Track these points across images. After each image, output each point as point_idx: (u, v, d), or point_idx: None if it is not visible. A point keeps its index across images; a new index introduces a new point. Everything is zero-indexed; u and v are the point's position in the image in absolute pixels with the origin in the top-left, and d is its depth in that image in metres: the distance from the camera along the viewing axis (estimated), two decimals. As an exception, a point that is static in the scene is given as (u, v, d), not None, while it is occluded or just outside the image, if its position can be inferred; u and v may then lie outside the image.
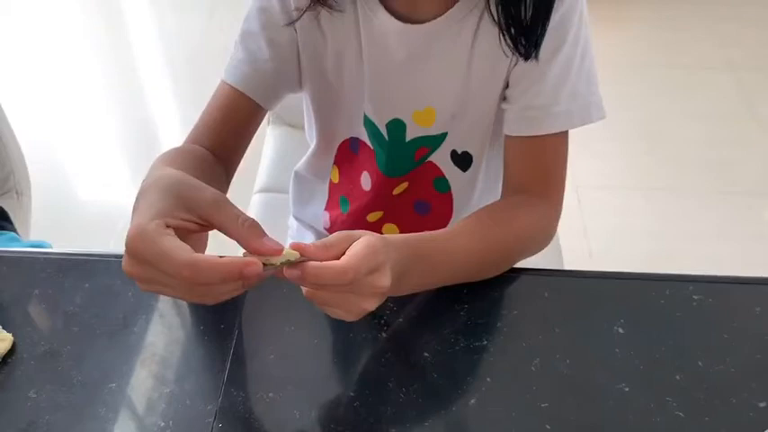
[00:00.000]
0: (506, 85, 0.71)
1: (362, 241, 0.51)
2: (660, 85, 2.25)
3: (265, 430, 0.55)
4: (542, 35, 0.64)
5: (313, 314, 0.59)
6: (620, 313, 0.63)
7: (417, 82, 0.71)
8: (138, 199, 0.50)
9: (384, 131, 0.76)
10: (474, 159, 0.78)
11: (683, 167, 1.94)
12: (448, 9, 0.67)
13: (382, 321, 0.62)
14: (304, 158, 0.89)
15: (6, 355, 0.60)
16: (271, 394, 0.57)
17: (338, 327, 0.61)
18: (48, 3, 2.70)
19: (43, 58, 2.40)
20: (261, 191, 1.13)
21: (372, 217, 0.85)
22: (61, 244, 0.82)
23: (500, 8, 0.63)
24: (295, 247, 0.49)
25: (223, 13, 2.53)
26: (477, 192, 0.82)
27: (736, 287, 0.66)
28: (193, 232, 0.49)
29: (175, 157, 0.63)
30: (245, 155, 0.75)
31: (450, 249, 0.62)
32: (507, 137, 0.72)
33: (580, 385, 0.58)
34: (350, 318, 0.52)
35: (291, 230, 0.98)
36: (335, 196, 0.88)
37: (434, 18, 0.67)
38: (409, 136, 0.76)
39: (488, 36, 0.67)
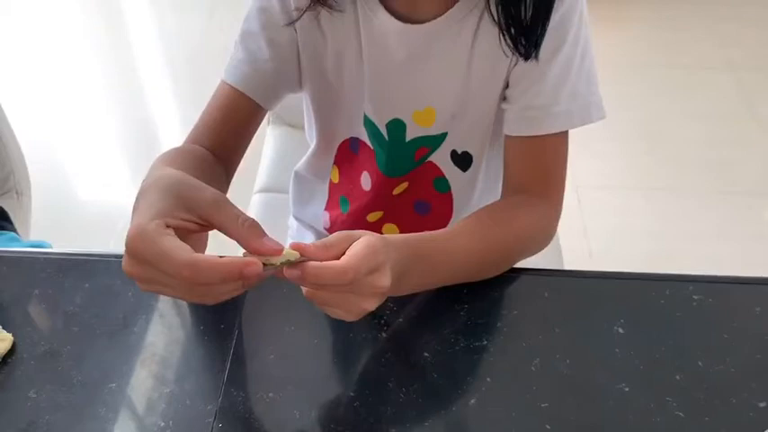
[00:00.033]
0: (506, 85, 0.71)
1: (362, 241, 0.51)
2: (660, 85, 2.25)
3: (265, 430, 0.55)
4: (542, 35, 0.64)
5: (313, 314, 0.59)
6: (620, 313, 0.63)
7: (417, 82, 0.71)
8: (138, 199, 0.50)
9: (384, 131, 0.76)
10: (474, 159, 0.78)
11: (683, 167, 1.94)
12: (448, 9, 0.67)
13: (382, 321, 0.62)
14: (304, 158, 0.89)
15: (6, 355, 0.60)
16: (271, 394, 0.57)
17: (338, 327, 0.61)
18: (48, 3, 2.71)
19: (43, 58, 2.40)
20: (261, 191, 1.13)
21: (372, 217, 0.85)
22: (61, 244, 0.82)
23: (500, 8, 0.63)
24: (295, 247, 0.49)
25: (223, 13, 2.53)
26: (477, 192, 0.82)
27: (736, 287, 0.66)
28: (193, 232, 0.49)
29: (175, 157, 0.63)
30: (245, 155, 0.75)
31: (450, 249, 0.62)
32: (507, 137, 0.72)
33: (580, 385, 0.58)
34: (350, 318, 0.52)
35: (291, 230, 0.98)
36: (335, 196, 0.88)
37: (434, 18, 0.67)
38: (409, 136, 0.76)
39: (488, 36, 0.67)
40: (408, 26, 0.67)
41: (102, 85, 2.35)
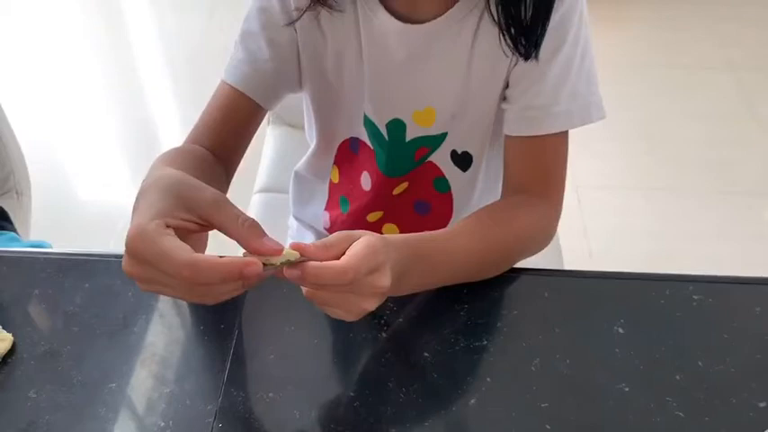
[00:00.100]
0: (506, 85, 0.71)
1: (362, 241, 0.51)
2: (660, 85, 2.25)
3: (265, 430, 0.55)
4: (542, 35, 0.64)
5: (313, 314, 0.59)
6: (620, 313, 0.63)
7: (417, 82, 0.71)
8: (138, 199, 0.50)
9: (384, 131, 0.76)
10: (474, 159, 0.78)
11: (683, 167, 1.94)
12: (448, 9, 0.67)
13: (382, 321, 0.62)
14: (304, 158, 0.89)
15: (6, 355, 0.60)
16: (271, 394, 0.57)
17: (338, 327, 0.61)
18: (48, 3, 2.71)
19: (43, 58, 2.40)
20: (261, 191, 1.13)
21: (372, 217, 0.85)
22: (61, 244, 0.82)
23: (500, 8, 0.63)
24: (295, 247, 0.49)
25: (223, 13, 2.53)
26: (477, 192, 0.82)
27: (736, 287, 0.66)
28: (193, 232, 0.49)
29: (175, 157, 0.63)
30: (245, 155, 0.75)
31: (450, 249, 0.62)
32: (507, 137, 0.72)
33: (580, 385, 0.58)
34: (350, 318, 0.52)
35: (291, 230, 0.98)
36: (335, 196, 0.88)
37: (434, 18, 0.67)
38: (409, 136, 0.76)
39: (488, 36, 0.67)
40: (408, 26, 0.67)
41: (102, 85, 2.35)
